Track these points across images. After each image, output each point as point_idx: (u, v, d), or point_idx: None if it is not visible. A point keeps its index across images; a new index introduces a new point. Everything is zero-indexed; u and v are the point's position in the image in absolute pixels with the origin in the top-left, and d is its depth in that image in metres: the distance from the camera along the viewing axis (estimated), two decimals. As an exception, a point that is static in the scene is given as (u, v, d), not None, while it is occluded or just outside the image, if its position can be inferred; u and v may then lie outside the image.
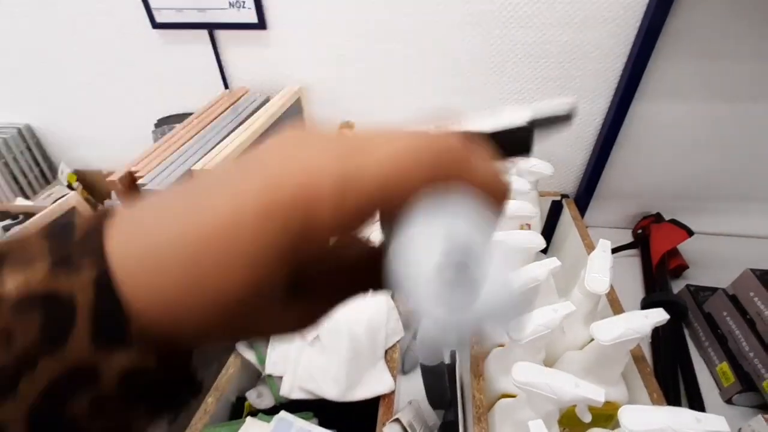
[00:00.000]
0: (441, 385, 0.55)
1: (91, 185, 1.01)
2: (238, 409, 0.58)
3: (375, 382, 0.54)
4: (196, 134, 0.64)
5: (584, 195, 0.86)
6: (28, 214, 0.80)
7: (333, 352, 0.56)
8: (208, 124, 0.67)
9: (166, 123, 0.90)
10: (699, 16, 0.65)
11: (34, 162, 0.99)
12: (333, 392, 0.52)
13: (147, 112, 0.91)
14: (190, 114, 0.88)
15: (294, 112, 0.78)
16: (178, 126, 0.65)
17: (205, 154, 0.58)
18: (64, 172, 0.98)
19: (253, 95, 0.77)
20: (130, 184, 0.55)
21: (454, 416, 0.58)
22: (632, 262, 0.85)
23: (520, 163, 0.78)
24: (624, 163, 0.83)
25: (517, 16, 0.70)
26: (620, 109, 0.75)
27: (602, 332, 0.48)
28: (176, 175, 0.54)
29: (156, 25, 0.77)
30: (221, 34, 0.77)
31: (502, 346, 0.61)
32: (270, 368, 0.55)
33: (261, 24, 0.74)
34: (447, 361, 0.59)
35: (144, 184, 0.52)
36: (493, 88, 0.78)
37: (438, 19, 0.72)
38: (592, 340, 0.53)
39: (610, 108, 0.76)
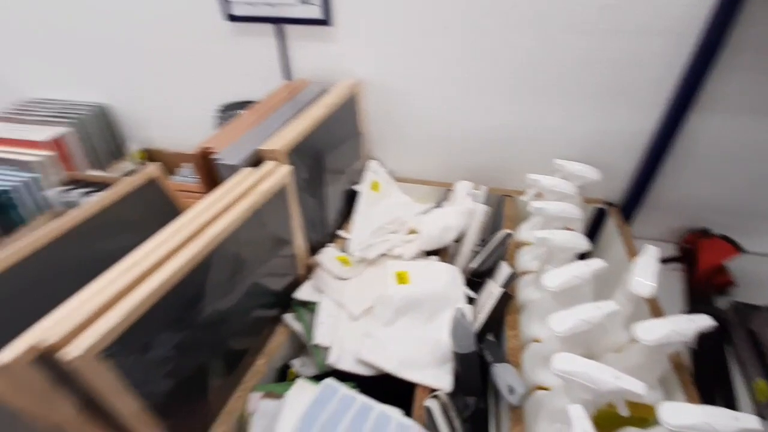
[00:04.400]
0: (473, 372, 0.57)
1: (155, 162, 1.09)
2: (283, 376, 0.63)
3: (435, 375, 0.56)
4: (260, 119, 0.69)
5: (630, 204, 0.86)
6: (105, 183, 0.89)
7: (391, 329, 0.59)
8: (271, 110, 0.72)
9: (228, 109, 0.96)
10: (763, 32, 0.65)
11: (106, 139, 1.08)
12: (388, 365, 0.55)
13: (210, 98, 0.98)
14: (251, 102, 0.94)
15: (350, 105, 0.82)
16: (243, 111, 0.70)
17: (268, 138, 0.63)
18: (132, 149, 1.06)
19: (313, 87, 0.81)
20: (204, 159, 0.60)
21: (484, 404, 0.60)
22: (675, 276, 0.84)
23: (567, 166, 0.79)
24: (674, 175, 0.82)
25: (573, 21, 0.71)
26: (674, 120, 0.75)
27: (646, 332, 0.48)
28: (245, 154, 0.59)
29: (229, 17, 0.83)
30: (288, 28, 0.83)
31: (538, 341, 0.63)
32: (318, 338, 0.59)
33: (326, 20, 0.79)
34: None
35: (217, 159, 0.57)
36: (546, 90, 0.79)
37: (496, 22, 0.74)
38: (632, 342, 0.54)
39: (663, 118, 0.76)
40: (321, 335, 0.59)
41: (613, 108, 0.78)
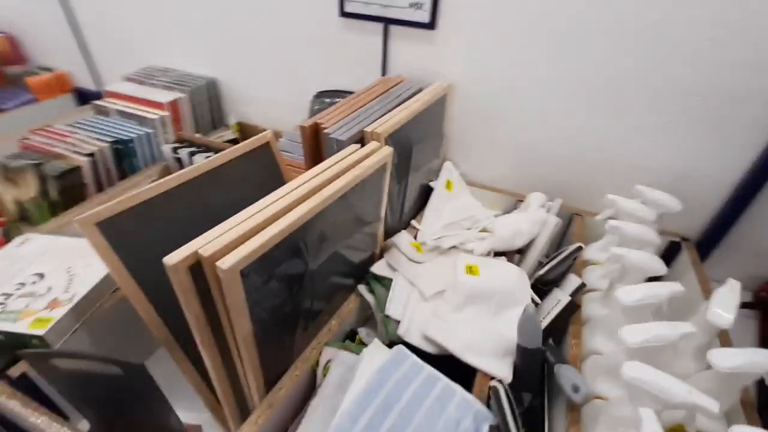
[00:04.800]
0: (535, 369, 0.59)
1: (247, 136, 1.20)
2: (348, 340, 0.68)
3: (496, 364, 0.59)
4: (361, 106, 0.75)
5: (707, 242, 0.84)
6: (208, 146, 0.99)
7: (459, 314, 0.63)
8: (371, 99, 0.78)
9: (323, 96, 1.04)
10: None
11: (210, 109, 1.20)
12: (452, 346, 0.59)
13: (308, 85, 1.07)
14: (345, 92, 1.02)
15: (440, 105, 0.87)
16: (338, 99, 0.77)
17: (369, 123, 0.69)
18: (231, 121, 1.18)
19: (409, 84, 0.87)
20: (315, 133, 0.67)
21: (538, 403, 0.62)
22: (748, 324, 0.81)
23: (649, 193, 0.79)
24: (761, 219, 0.79)
25: (680, 49, 0.71)
26: (771, 163, 0.73)
27: (722, 358, 0.49)
28: (351, 132, 0.65)
29: (342, 14, 0.91)
30: (394, 29, 0.89)
31: (598, 354, 0.64)
32: (390, 310, 0.63)
33: (431, 24, 0.85)
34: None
35: (329, 133, 0.64)
36: (638, 114, 0.80)
37: (599, 40, 0.76)
38: (702, 372, 0.54)
39: (760, 159, 0.74)
40: (393, 308, 0.64)
41: (707, 141, 0.77)
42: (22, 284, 0.65)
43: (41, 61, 1.49)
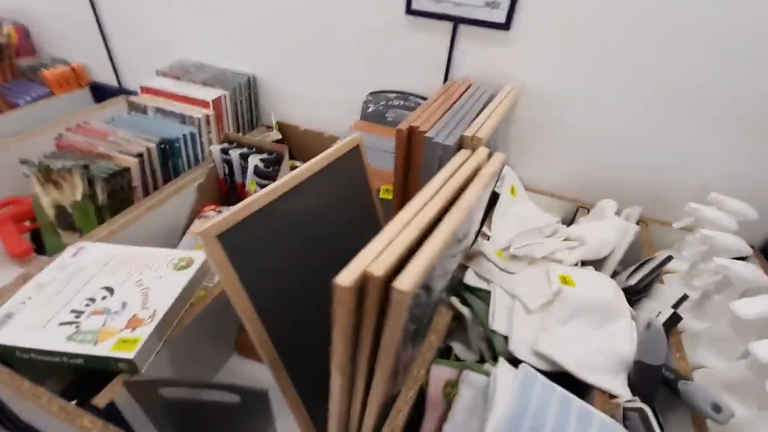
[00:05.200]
0: (653, 386, 0.57)
1: (287, 136, 1.15)
2: (442, 355, 0.64)
3: (612, 382, 0.57)
4: (448, 109, 0.72)
5: (777, 250, 0.84)
6: (254, 146, 0.93)
7: (566, 328, 0.60)
8: (454, 103, 0.75)
9: (378, 97, 1.00)
10: None
11: (251, 107, 1.14)
12: (568, 362, 0.56)
13: (358, 85, 1.03)
14: (404, 92, 0.98)
15: (511, 108, 0.84)
16: (426, 101, 0.73)
17: (466, 128, 0.65)
18: (274, 120, 1.12)
19: (481, 86, 0.84)
20: (411, 136, 0.63)
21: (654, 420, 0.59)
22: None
23: (726, 201, 0.78)
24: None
25: (764, 57, 0.71)
26: None
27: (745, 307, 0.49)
28: (454, 137, 0.62)
29: (409, 11, 0.87)
30: (463, 28, 0.86)
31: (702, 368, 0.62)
32: (495, 324, 0.60)
33: (506, 25, 0.82)
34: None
35: (432, 137, 0.60)
36: (717, 120, 0.79)
37: (680, 44, 0.75)
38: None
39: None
40: (498, 322, 0.61)
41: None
42: (92, 300, 0.59)
43: (53, 52, 1.39)
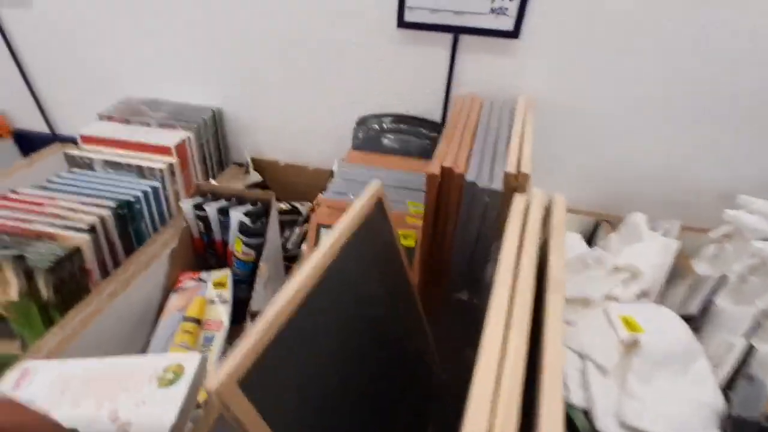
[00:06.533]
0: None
1: (264, 173, 1.00)
2: None
3: None
4: (473, 137, 0.61)
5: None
6: (233, 195, 0.78)
7: (650, 386, 0.50)
8: (475, 128, 0.64)
9: (370, 121, 0.88)
10: None
11: (218, 146, 0.98)
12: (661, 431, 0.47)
13: (347, 109, 0.90)
14: (400, 115, 0.87)
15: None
16: (446, 131, 0.62)
17: (503, 157, 0.55)
18: (247, 158, 0.97)
19: (492, 104, 0.74)
20: (445, 179, 0.51)
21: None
22: None
23: (758, 204, 0.73)
24: None
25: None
26: None
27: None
28: (497, 176, 0.51)
29: (402, 24, 0.76)
30: (465, 39, 0.76)
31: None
32: (573, 397, 0.50)
33: (515, 33, 0.72)
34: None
35: (475, 182, 0.49)
36: (734, 127, 0.74)
37: (697, 53, 0.69)
38: None
39: None
40: (574, 394, 0.51)
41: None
42: (51, 455, 0.42)
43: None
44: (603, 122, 0.80)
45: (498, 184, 0.49)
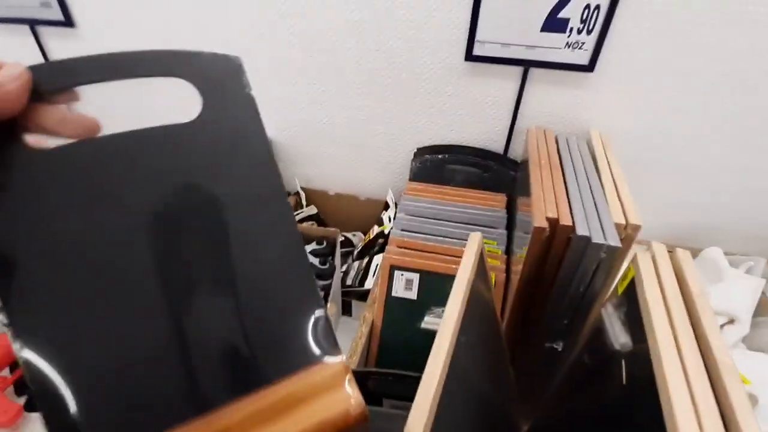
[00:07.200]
0: None
1: (316, 204, 0.98)
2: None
3: None
4: (564, 180, 0.59)
5: None
6: (304, 234, 0.76)
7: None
8: (560, 167, 0.62)
9: (428, 152, 0.86)
10: None
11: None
12: None
13: (404, 139, 0.88)
14: (460, 146, 0.85)
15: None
16: (533, 174, 0.60)
17: (603, 201, 0.53)
18: (298, 187, 0.94)
19: (567, 139, 0.72)
20: (553, 233, 0.49)
21: None
22: None
23: None
24: None
25: None
26: None
27: None
28: (608, 228, 0.48)
29: (469, 57, 0.74)
30: (535, 72, 0.74)
31: None
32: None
33: (590, 66, 0.71)
34: None
35: (591, 238, 0.47)
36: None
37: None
38: None
39: None
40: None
41: None
42: None
43: None
44: (681, 153, 0.78)
45: (614, 239, 0.47)
